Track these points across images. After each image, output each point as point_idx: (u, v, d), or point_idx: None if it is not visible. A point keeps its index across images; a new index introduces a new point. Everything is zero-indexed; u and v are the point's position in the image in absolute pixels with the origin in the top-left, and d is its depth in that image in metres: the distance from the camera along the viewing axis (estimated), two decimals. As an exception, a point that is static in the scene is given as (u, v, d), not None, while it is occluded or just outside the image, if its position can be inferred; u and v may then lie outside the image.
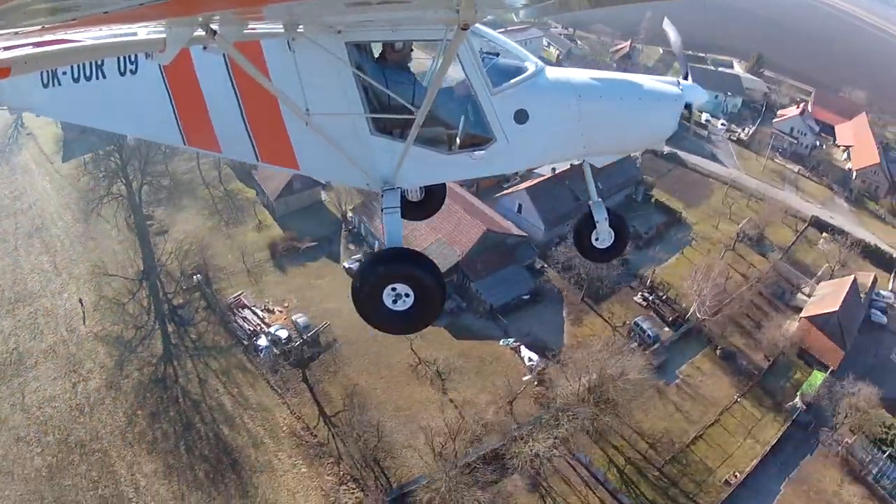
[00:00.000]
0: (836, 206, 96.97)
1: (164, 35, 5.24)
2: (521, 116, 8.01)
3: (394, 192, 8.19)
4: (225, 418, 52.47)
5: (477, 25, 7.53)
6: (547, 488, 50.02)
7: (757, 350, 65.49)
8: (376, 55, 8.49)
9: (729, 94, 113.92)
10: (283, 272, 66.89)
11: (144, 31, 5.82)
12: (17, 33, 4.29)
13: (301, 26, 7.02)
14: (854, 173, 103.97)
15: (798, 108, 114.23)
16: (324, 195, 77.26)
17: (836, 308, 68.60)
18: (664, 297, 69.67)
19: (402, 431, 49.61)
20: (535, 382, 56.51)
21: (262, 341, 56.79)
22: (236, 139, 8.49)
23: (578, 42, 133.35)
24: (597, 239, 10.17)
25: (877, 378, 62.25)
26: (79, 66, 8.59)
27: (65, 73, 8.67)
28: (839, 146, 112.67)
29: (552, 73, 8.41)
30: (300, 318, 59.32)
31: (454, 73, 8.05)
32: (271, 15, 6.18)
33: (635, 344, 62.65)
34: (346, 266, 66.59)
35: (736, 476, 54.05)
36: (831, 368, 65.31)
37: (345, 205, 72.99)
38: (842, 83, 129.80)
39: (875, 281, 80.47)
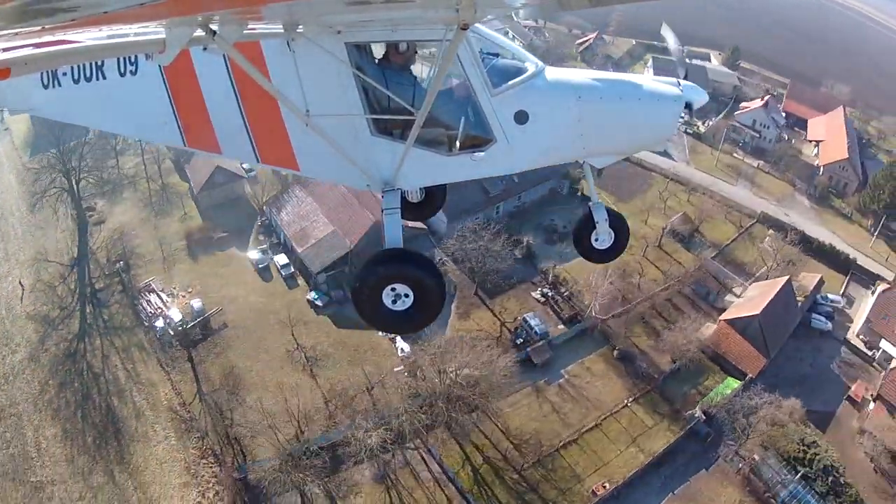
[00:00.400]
0: (796, 203, 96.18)
1: (163, 36, 5.31)
2: (521, 117, 8.13)
3: (394, 193, 8.30)
4: (117, 391, 57.41)
5: (476, 25, 7.66)
6: (394, 481, 50.63)
7: (663, 353, 63.17)
8: (380, 57, 8.58)
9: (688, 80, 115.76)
10: (195, 260, 71.43)
11: (144, 32, 5.82)
12: (17, 33, 4.32)
13: (301, 26, 7.06)
14: (821, 169, 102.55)
15: (763, 100, 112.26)
16: (247, 188, 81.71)
17: (758, 312, 65.76)
18: (565, 294, 68.69)
19: (267, 412, 50.80)
20: (406, 373, 56.95)
21: (160, 323, 61.97)
22: (236, 140, 8.56)
23: (546, 34, 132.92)
24: (596, 240, 10.37)
25: (807, 389, 61.77)
26: (79, 66, 8.57)
27: (65, 73, 8.64)
28: (810, 141, 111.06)
29: (552, 73, 8.51)
30: (195, 303, 63.45)
31: (455, 74, 8.21)
32: (271, 15, 6.24)
33: (520, 340, 62.55)
34: (250, 256, 71.19)
35: (605, 487, 51.30)
36: (749, 377, 62.74)
37: (262, 198, 77.15)
38: (828, 77, 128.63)
39: (821, 283, 77.92)
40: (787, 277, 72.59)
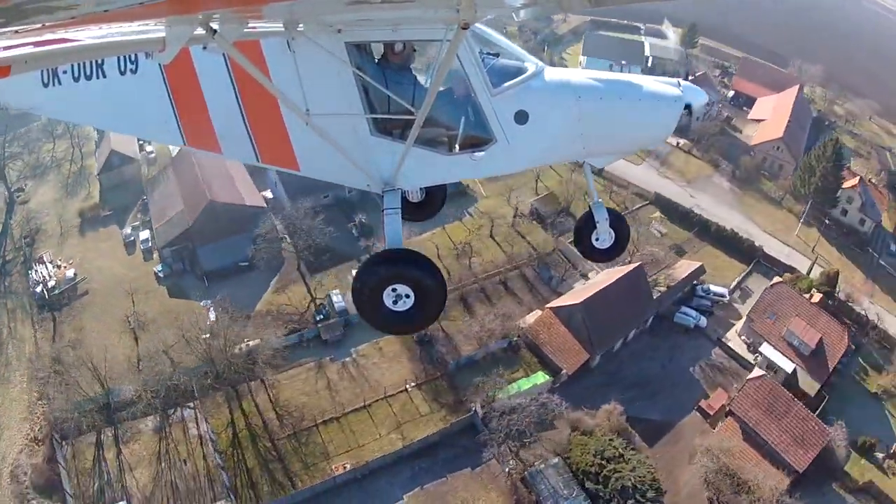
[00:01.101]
0: (711, 186, 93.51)
1: (163, 34, 5.37)
2: (521, 117, 8.36)
3: (394, 193, 8.51)
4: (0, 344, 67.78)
5: (477, 25, 7.84)
6: (167, 433, 56.73)
7: (470, 339, 62.95)
8: (378, 57, 8.74)
9: (624, 62, 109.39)
10: (83, 236, 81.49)
11: (144, 31, 5.86)
12: (17, 32, 4.34)
13: (301, 25, 7.19)
14: (753, 150, 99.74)
15: (694, 76, 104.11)
16: (144, 170, 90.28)
17: (579, 301, 63.07)
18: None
19: (91, 366, 58.27)
20: (208, 340, 60.39)
21: (39, 288, 71.78)
22: (236, 139, 8.73)
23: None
24: (597, 239, 10.72)
25: (648, 394, 60.09)
26: (79, 65, 8.67)
27: (65, 72, 8.74)
28: (753, 120, 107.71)
29: (552, 73, 8.74)
30: (70, 272, 73.64)
31: (454, 74, 8.38)
32: (271, 14, 6.35)
33: (321, 317, 65.73)
34: (122, 232, 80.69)
35: (345, 468, 51.77)
36: (565, 372, 60.30)
37: (145, 179, 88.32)
38: (803, 55, 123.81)
39: (698, 272, 73.65)
40: (637, 264, 69.45)
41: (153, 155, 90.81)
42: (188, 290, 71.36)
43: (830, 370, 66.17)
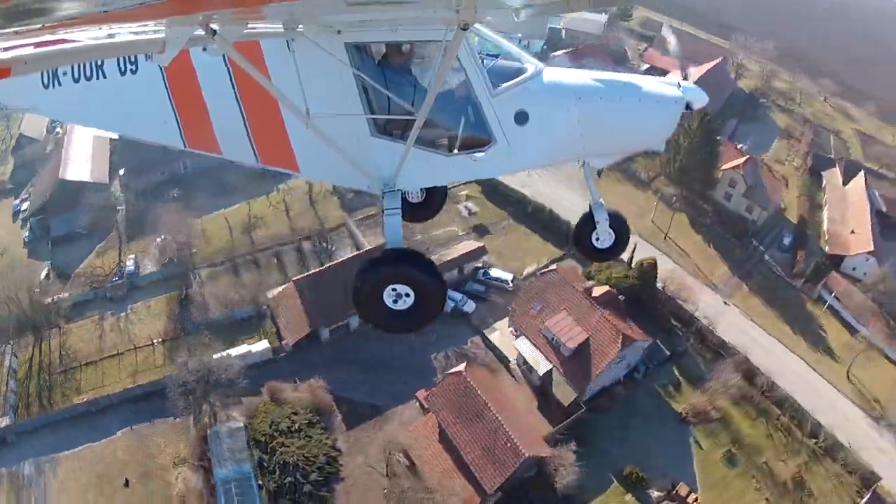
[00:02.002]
0: (570, 164, 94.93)
1: (163, 35, 5.56)
2: (521, 118, 8.62)
3: (394, 194, 8.73)
4: None
5: (476, 26, 8.12)
6: None
7: (225, 304, 68.94)
8: (378, 57, 8.89)
9: (521, 35, 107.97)
10: None
11: (144, 32, 5.99)
12: (17, 33, 4.44)
13: (301, 26, 7.34)
14: None
15: (577, 49, 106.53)
16: (48, 149, 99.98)
17: (313, 271, 67.00)
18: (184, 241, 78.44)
19: None
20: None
21: None
22: (236, 141, 8.93)
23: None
24: (597, 239, 11.08)
25: (375, 377, 59.89)
26: (79, 66, 8.83)
27: (65, 73, 8.97)
28: None
29: (551, 74, 9.00)
30: None
31: (454, 75, 8.56)
32: (271, 14, 6.50)
33: (117, 278, 75.68)
34: (13, 203, 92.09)
35: (82, 401, 60.40)
36: (286, 343, 62.96)
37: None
38: (756, 30, 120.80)
39: (478, 253, 72.58)
40: (382, 242, 68.03)
41: (59, 133, 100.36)
42: (41, 252, 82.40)
43: (592, 377, 58.87)
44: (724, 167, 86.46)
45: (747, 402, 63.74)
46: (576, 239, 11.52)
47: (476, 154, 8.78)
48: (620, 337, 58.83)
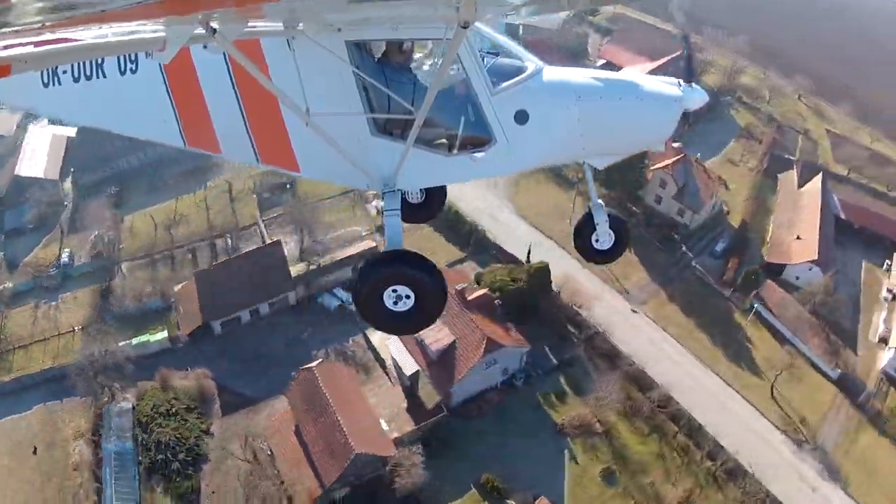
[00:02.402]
0: None
1: (163, 34, 5.63)
2: (521, 117, 8.72)
3: (394, 194, 8.83)
4: None
5: (477, 24, 8.21)
6: None
7: (139, 296, 76.15)
8: (378, 56, 9.01)
9: None
10: None
11: (144, 30, 5.92)
12: (17, 32, 4.45)
13: (301, 24, 7.41)
14: None
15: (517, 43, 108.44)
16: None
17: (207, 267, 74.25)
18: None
19: None
20: None
21: None
22: (236, 140, 8.99)
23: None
24: (597, 240, 11.34)
25: (263, 367, 64.72)
26: (79, 65, 8.93)
27: (65, 72, 9.11)
28: None
29: (552, 73, 9.09)
30: None
31: (454, 73, 8.70)
32: (271, 13, 6.57)
33: (54, 270, 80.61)
34: None
35: (10, 378, 66.94)
36: (181, 334, 68.89)
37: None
38: (731, 24, 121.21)
39: (363, 255, 70.41)
40: (275, 240, 75.06)
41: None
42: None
43: (455, 381, 60.10)
44: (654, 167, 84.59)
45: (639, 418, 62.86)
46: (576, 240, 11.74)
47: (476, 154, 8.93)
48: (485, 341, 59.29)
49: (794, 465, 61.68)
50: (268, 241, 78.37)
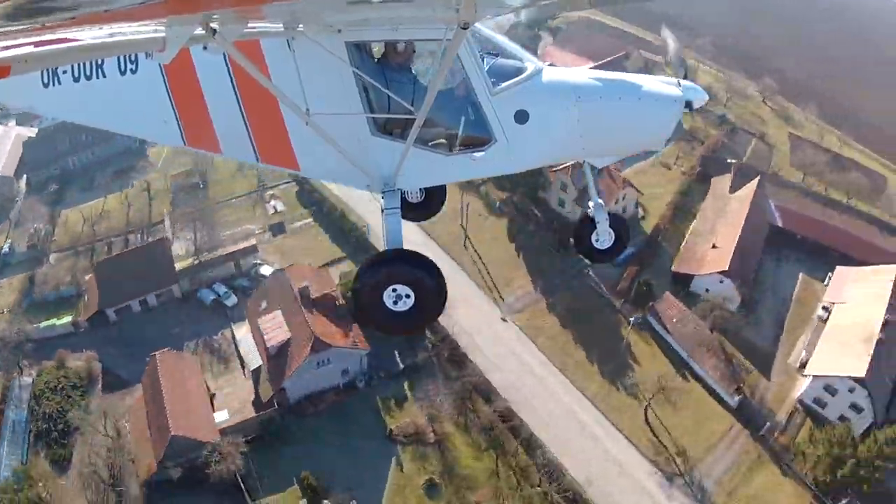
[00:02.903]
0: None
1: (163, 34, 5.64)
2: (521, 117, 8.91)
3: (394, 193, 8.97)
4: None
5: (476, 25, 8.41)
6: None
7: (60, 284, 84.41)
8: (378, 56, 9.14)
9: None
10: None
11: (144, 31, 5.93)
12: (17, 32, 4.51)
13: (301, 25, 7.48)
14: None
15: None
16: None
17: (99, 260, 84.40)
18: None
19: None
20: None
21: None
22: (236, 139, 9.15)
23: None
24: (597, 240, 11.63)
25: (144, 352, 67.85)
26: (79, 65, 9.09)
27: (65, 72, 9.36)
28: None
29: (551, 73, 9.27)
30: None
31: (454, 74, 8.87)
32: (272, 13, 6.64)
33: None
34: None
35: None
36: (81, 320, 77.15)
37: None
38: (699, 26, 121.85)
39: (243, 253, 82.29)
40: (161, 237, 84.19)
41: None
42: None
43: (286, 377, 62.85)
44: (555, 169, 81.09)
45: (477, 431, 62.03)
46: (575, 239, 12.07)
47: (476, 153, 9.12)
48: (312, 340, 61.83)
49: (658, 502, 58.57)
50: (172, 238, 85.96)
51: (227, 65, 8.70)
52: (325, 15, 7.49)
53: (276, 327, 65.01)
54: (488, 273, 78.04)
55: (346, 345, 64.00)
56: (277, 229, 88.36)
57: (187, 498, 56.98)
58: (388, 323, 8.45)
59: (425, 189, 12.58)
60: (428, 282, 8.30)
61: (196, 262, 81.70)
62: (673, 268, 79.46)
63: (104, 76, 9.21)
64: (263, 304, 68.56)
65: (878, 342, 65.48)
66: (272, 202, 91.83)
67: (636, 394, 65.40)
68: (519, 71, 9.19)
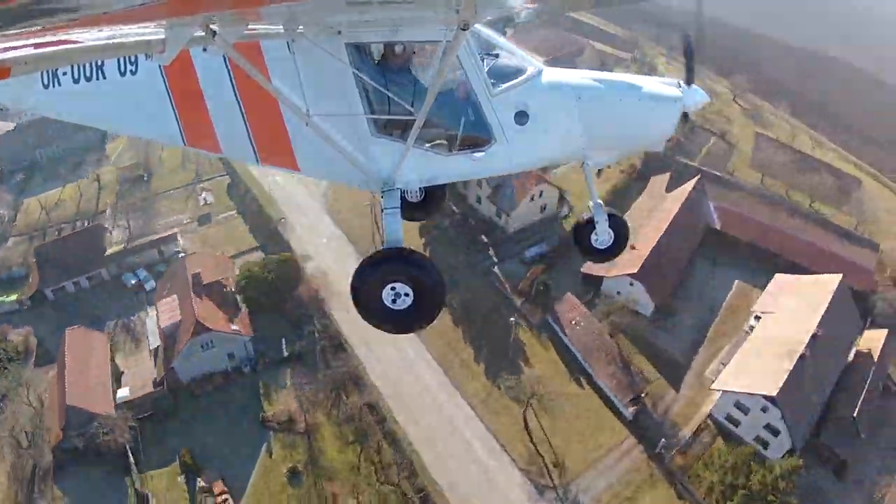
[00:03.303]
0: None
1: (163, 36, 5.62)
2: (521, 117, 8.99)
3: (393, 193, 8.98)
4: None
5: (477, 26, 8.48)
6: None
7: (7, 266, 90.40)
8: (378, 57, 9.02)
9: None
10: None
11: (144, 32, 5.87)
12: (17, 34, 4.48)
13: (301, 27, 7.37)
14: None
15: None
16: None
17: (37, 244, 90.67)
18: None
19: None
20: None
21: None
22: (236, 140, 9.20)
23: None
24: (596, 239, 11.68)
25: (57, 333, 74.49)
26: (79, 66, 9.10)
27: (65, 73, 9.44)
28: None
29: (551, 73, 9.35)
30: None
31: (454, 74, 8.84)
32: (271, 15, 6.66)
33: None
34: None
35: None
36: (25, 298, 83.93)
37: None
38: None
39: (165, 241, 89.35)
40: (95, 224, 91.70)
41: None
42: None
43: (174, 358, 66.12)
44: None
45: (348, 423, 62.37)
46: (575, 239, 12.15)
47: (476, 154, 9.19)
48: (193, 324, 65.63)
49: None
50: (112, 226, 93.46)
51: (226, 66, 8.74)
52: (324, 16, 7.46)
53: (170, 310, 69.73)
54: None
55: (228, 330, 67.63)
56: (204, 220, 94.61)
57: (88, 467, 60.76)
58: (387, 321, 8.48)
59: (425, 189, 12.67)
60: (427, 280, 8.32)
61: (125, 248, 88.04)
62: (582, 269, 76.08)
63: (104, 77, 9.25)
64: (167, 289, 73.48)
65: (801, 357, 59.92)
66: (203, 195, 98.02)
67: (519, 397, 62.62)
68: (519, 72, 9.26)
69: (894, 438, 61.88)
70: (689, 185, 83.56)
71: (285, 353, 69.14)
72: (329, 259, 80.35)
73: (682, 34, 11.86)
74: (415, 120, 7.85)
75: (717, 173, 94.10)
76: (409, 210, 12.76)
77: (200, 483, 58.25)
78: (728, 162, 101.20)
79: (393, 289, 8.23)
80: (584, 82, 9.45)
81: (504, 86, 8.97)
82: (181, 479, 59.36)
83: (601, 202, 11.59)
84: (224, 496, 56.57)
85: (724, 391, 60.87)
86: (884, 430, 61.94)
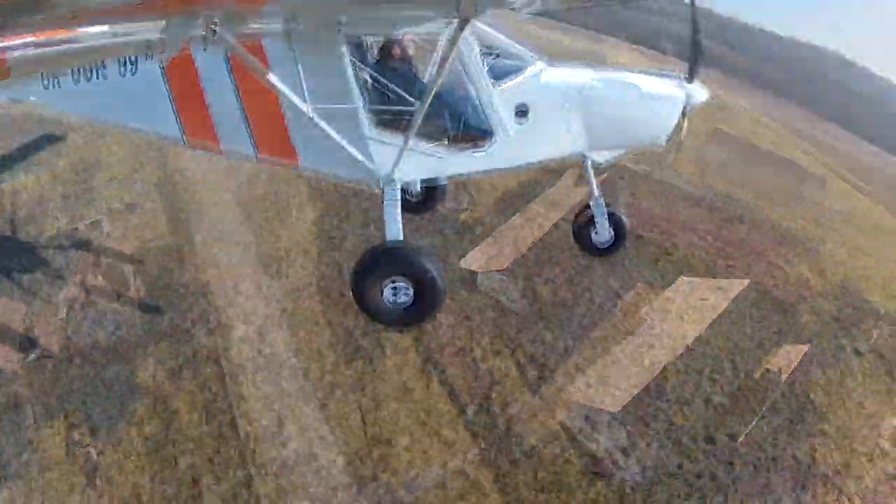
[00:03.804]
0: None
1: (164, 35, 5.74)
2: (521, 113, 9.03)
3: (394, 188, 8.97)
4: None
5: (477, 22, 8.37)
6: None
7: None
8: (378, 52, 9.18)
9: None
10: None
11: (144, 30, 6.02)
12: (17, 34, 4.68)
13: (301, 22, 7.53)
14: None
15: None
16: None
17: None
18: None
19: None
20: None
21: None
22: (236, 135, 9.17)
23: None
24: (597, 237, 11.88)
25: None
26: (79, 66, 9.13)
27: (65, 73, 9.47)
28: None
29: (552, 71, 9.39)
30: None
31: (455, 69, 8.71)
32: (271, 12, 6.75)
33: None
34: None
35: None
36: None
37: None
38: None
39: None
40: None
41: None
42: None
43: None
44: None
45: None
46: (575, 236, 12.37)
47: (476, 149, 9.22)
48: None
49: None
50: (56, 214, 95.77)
51: (226, 61, 8.77)
52: (324, 12, 7.54)
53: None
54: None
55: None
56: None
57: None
58: (388, 317, 8.58)
59: (425, 189, 12.82)
60: (428, 275, 8.36)
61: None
62: (461, 262, 77.94)
63: (104, 74, 9.38)
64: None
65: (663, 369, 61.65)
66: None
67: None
68: (520, 68, 9.34)
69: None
70: (595, 180, 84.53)
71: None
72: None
73: (688, 32, 11.79)
74: (414, 114, 7.93)
75: (645, 169, 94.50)
76: (409, 205, 12.77)
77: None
78: (668, 158, 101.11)
79: (394, 284, 8.31)
80: (586, 80, 9.54)
81: (505, 81, 9.02)
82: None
83: (601, 199, 11.79)
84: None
85: (576, 402, 60.33)
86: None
